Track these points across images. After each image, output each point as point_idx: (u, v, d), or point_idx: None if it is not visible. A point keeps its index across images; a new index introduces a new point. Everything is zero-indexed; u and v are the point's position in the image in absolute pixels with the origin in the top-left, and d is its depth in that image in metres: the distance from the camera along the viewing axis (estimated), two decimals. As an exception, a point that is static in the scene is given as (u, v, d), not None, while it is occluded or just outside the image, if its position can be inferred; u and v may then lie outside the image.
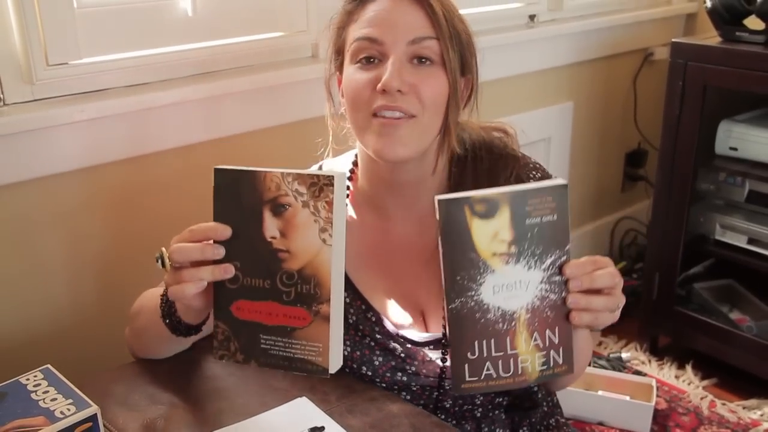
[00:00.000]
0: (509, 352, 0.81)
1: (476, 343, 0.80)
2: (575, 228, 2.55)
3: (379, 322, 1.06)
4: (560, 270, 0.81)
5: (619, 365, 2.08)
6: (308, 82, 1.53)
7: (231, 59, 1.49)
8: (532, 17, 2.11)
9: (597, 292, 0.83)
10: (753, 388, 2.01)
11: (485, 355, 0.81)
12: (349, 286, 1.07)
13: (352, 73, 0.99)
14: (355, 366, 1.06)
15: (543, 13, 2.14)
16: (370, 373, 1.06)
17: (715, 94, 1.97)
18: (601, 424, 1.84)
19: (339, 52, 1.04)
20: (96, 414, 0.82)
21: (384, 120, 0.96)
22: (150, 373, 1.07)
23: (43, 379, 0.87)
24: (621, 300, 0.87)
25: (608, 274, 0.84)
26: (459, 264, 0.78)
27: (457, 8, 1.02)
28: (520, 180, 1.07)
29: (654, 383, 1.88)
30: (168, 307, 0.95)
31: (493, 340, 0.81)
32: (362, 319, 1.06)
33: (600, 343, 2.26)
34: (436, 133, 1.01)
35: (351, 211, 1.10)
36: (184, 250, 0.85)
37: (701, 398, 1.98)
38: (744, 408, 1.95)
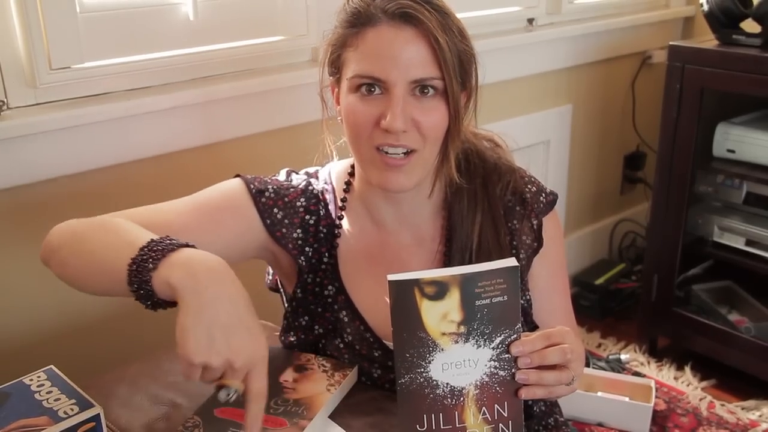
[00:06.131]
0: (458, 425, 0.84)
1: (425, 416, 0.83)
2: (575, 230, 2.55)
3: (377, 341, 1.06)
4: (509, 348, 0.83)
5: (618, 366, 2.08)
6: (308, 86, 1.53)
7: (232, 63, 1.50)
8: (530, 21, 2.12)
9: (551, 366, 0.85)
10: (751, 389, 2.01)
11: (434, 428, 0.84)
12: (349, 306, 1.07)
13: (353, 103, 0.97)
14: None
15: (542, 16, 2.15)
16: (369, 383, 1.07)
17: (712, 97, 1.98)
18: (600, 424, 1.85)
19: (335, 68, 1.02)
20: (99, 414, 0.83)
21: (388, 159, 0.97)
22: (153, 374, 1.08)
23: (46, 379, 0.87)
24: (578, 372, 0.88)
25: (559, 350, 0.85)
26: (409, 342, 0.81)
27: (456, 21, 0.98)
28: (516, 191, 1.07)
29: (653, 384, 1.88)
30: (143, 276, 0.79)
31: (441, 414, 0.83)
32: (359, 339, 1.06)
33: (599, 345, 2.27)
34: (435, 160, 1.01)
35: (348, 223, 1.09)
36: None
37: (700, 399, 1.99)
38: (742, 409, 1.96)
